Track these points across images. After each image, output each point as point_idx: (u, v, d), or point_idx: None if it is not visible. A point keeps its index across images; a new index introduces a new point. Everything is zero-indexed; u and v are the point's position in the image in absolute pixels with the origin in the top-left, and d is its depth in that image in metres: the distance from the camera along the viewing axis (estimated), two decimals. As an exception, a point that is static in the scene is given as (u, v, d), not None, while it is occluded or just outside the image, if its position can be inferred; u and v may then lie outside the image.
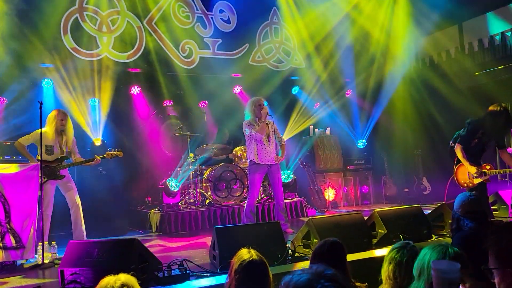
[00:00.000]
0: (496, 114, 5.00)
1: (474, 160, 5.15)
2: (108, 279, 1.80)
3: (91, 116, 7.45)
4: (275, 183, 5.87)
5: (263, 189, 7.54)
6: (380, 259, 3.96)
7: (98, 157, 5.43)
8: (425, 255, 1.97)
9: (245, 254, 2.11)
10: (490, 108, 5.13)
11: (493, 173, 5.13)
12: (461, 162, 5.17)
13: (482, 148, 5.24)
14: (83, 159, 5.48)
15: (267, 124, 5.85)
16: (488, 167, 5.12)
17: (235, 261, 2.11)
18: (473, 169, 5.08)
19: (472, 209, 3.00)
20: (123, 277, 1.80)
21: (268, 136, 5.79)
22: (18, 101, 6.69)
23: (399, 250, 2.37)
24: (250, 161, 5.76)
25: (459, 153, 5.15)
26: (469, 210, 3.00)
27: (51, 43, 6.95)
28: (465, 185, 5.19)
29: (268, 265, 2.17)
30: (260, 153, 5.67)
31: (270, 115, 5.91)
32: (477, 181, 5.08)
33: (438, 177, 8.92)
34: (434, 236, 4.73)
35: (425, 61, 9.79)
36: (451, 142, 5.38)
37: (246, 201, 5.96)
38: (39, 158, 5.03)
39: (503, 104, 5.16)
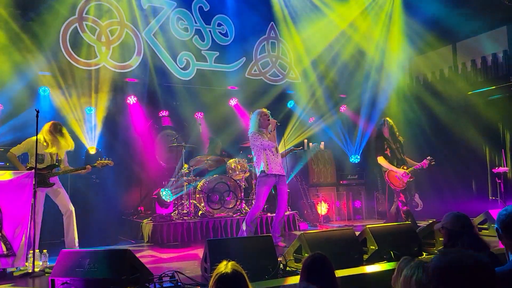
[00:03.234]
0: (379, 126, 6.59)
1: (395, 164, 6.32)
2: None
3: (86, 124, 7.47)
4: (281, 194, 5.81)
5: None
6: (371, 276, 4.01)
7: (88, 166, 5.45)
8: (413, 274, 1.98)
9: (222, 266, 2.15)
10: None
11: (410, 171, 6.24)
12: (386, 169, 6.32)
13: (397, 154, 6.38)
14: (73, 168, 5.50)
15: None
16: (405, 167, 6.27)
17: (213, 274, 2.16)
18: (401, 170, 6.22)
19: (459, 227, 3.00)
20: None
21: (276, 148, 5.81)
22: (14, 107, 6.71)
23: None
24: (261, 171, 5.65)
25: (383, 162, 6.33)
26: (457, 229, 2.99)
27: (50, 52, 6.99)
28: (401, 186, 6.26)
29: (246, 278, 2.17)
30: (271, 163, 5.64)
31: (279, 124, 6.00)
32: (405, 179, 6.22)
33: (431, 194, 9.00)
34: (424, 253, 4.77)
35: (419, 79, 9.95)
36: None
37: (249, 210, 5.92)
38: (30, 166, 5.05)
39: (386, 118, 6.67)
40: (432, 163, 6.25)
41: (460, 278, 1.47)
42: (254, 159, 5.85)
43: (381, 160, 6.34)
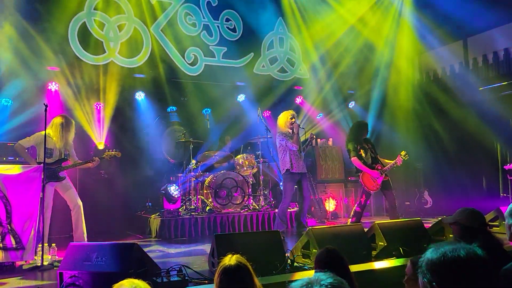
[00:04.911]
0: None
1: (369, 166, 6.07)
2: (124, 283, 1.79)
3: (95, 120, 7.50)
4: (304, 190, 6.13)
5: (264, 198, 7.54)
6: (380, 272, 3.97)
7: (96, 158, 5.46)
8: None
9: (226, 259, 2.15)
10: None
11: (383, 171, 6.00)
12: (361, 171, 6.09)
13: (371, 155, 6.17)
14: (81, 161, 5.51)
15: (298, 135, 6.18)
16: (379, 167, 6.04)
17: (218, 266, 2.16)
18: (374, 172, 6.01)
19: (474, 224, 2.94)
20: (141, 283, 1.79)
21: (300, 146, 6.11)
22: (23, 102, 6.74)
23: None
24: (286, 170, 6.01)
25: (357, 162, 6.09)
26: (472, 225, 2.92)
27: (58, 47, 7.02)
28: (375, 188, 6.03)
29: (251, 270, 2.16)
30: (295, 163, 5.97)
31: (303, 128, 6.43)
32: (379, 181, 6.00)
33: (440, 191, 8.92)
34: (434, 250, 4.70)
35: (429, 75, 9.84)
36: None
37: (279, 206, 6.23)
38: (39, 161, 5.07)
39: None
40: (406, 157, 6.05)
41: (456, 271, 1.41)
42: (280, 157, 6.17)
43: (355, 161, 6.13)
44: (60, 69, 7.12)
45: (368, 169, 6.05)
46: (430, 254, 1.49)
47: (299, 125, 6.10)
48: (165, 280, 3.47)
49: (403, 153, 6.08)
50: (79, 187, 6.70)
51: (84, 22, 7.33)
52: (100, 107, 7.55)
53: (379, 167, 6.04)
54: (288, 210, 6.81)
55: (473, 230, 2.88)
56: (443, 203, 8.62)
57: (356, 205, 6.33)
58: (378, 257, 4.35)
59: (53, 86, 7.10)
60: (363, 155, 6.14)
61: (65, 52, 7.11)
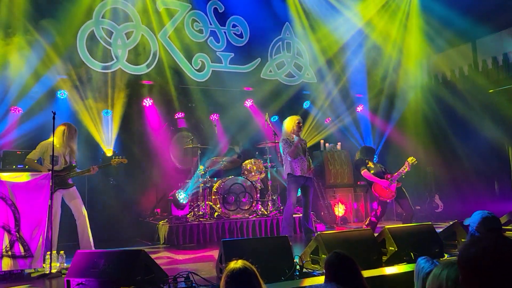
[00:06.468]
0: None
1: (379, 176, 6.20)
2: None
3: (103, 127, 7.53)
4: (307, 194, 6.06)
5: (272, 203, 7.49)
6: (390, 277, 3.90)
7: (95, 167, 5.42)
8: (442, 272, 1.88)
9: (232, 264, 2.13)
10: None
11: (392, 179, 6.08)
12: (372, 182, 6.16)
13: (381, 168, 6.31)
14: (79, 171, 5.45)
15: (301, 138, 6.16)
16: (388, 176, 6.14)
17: (224, 272, 2.14)
18: (384, 182, 6.10)
19: (492, 226, 2.94)
20: None
21: (305, 151, 6.07)
22: (32, 111, 6.80)
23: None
24: (288, 174, 5.97)
25: (367, 174, 6.19)
26: (489, 227, 2.93)
27: (67, 55, 7.09)
28: (390, 196, 6.10)
29: (257, 275, 2.13)
30: (297, 166, 5.92)
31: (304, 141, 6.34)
32: (393, 188, 6.08)
33: (451, 195, 8.80)
34: (446, 255, 4.63)
35: (437, 77, 9.75)
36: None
37: (283, 211, 6.22)
38: (48, 168, 5.09)
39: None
40: (414, 162, 6.08)
41: (498, 268, 1.28)
42: (283, 162, 6.16)
43: (365, 173, 6.21)
44: (69, 77, 7.18)
45: (378, 178, 6.15)
46: (466, 250, 1.37)
47: (300, 138, 6.02)
48: (172, 287, 3.44)
49: (410, 159, 6.11)
50: (88, 194, 6.73)
51: (93, 30, 7.41)
52: (108, 114, 7.59)
53: (388, 176, 6.13)
54: (296, 215, 6.77)
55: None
56: (455, 207, 8.50)
57: (371, 215, 6.41)
58: (389, 263, 4.28)
59: (62, 94, 7.16)
60: (372, 166, 6.27)
61: (73, 60, 7.18)
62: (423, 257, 2.28)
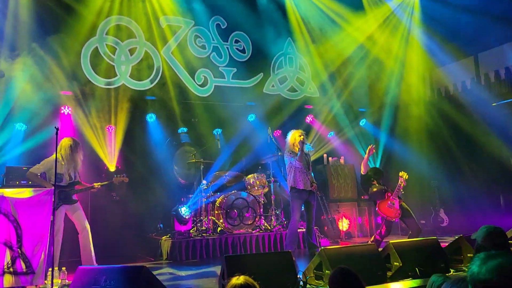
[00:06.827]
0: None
1: (380, 194, 6.22)
2: None
3: (106, 142, 7.55)
4: (310, 209, 6.03)
5: (276, 218, 7.44)
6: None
7: (96, 185, 5.45)
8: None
9: (234, 279, 2.11)
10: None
11: (395, 196, 6.08)
12: (377, 202, 6.17)
13: (381, 182, 6.42)
14: (83, 187, 5.48)
15: (306, 153, 6.15)
16: (389, 194, 6.16)
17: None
18: (387, 200, 6.12)
19: (498, 240, 2.90)
20: None
21: (308, 165, 6.05)
22: (37, 127, 6.83)
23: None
24: (291, 187, 5.96)
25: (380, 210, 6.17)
26: (496, 242, 2.89)
27: (71, 72, 7.16)
28: (396, 214, 6.03)
29: None
30: (300, 180, 5.90)
31: (312, 148, 6.41)
32: (397, 206, 6.06)
33: (456, 209, 8.71)
34: (452, 270, 4.56)
35: (440, 91, 9.75)
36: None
37: (288, 227, 6.16)
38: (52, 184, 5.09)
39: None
40: (406, 176, 6.16)
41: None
42: (288, 176, 6.14)
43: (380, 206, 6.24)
44: (73, 93, 7.24)
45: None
46: (477, 267, 1.36)
47: (303, 142, 5.99)
48: (174, 303, 3.40)
49: (401, 173, 6.20)
50: (90, 210, 6.70)
51: (96, 47, 7.50)
52: (111, 129, 7.61)
53: (389, 194, 6.15)
54: (300, 230, 6.71)
55: (485, 249, 2.80)
56: (460, 221, 8.41)
57: (377, 233, 6.37)
58: (394, 278, 4.22)
59: (65, 110, 7.20)
60: (376, 185, 6.35)
61: (77, 77, 7.25)
62: (438, 274, 2.25)
